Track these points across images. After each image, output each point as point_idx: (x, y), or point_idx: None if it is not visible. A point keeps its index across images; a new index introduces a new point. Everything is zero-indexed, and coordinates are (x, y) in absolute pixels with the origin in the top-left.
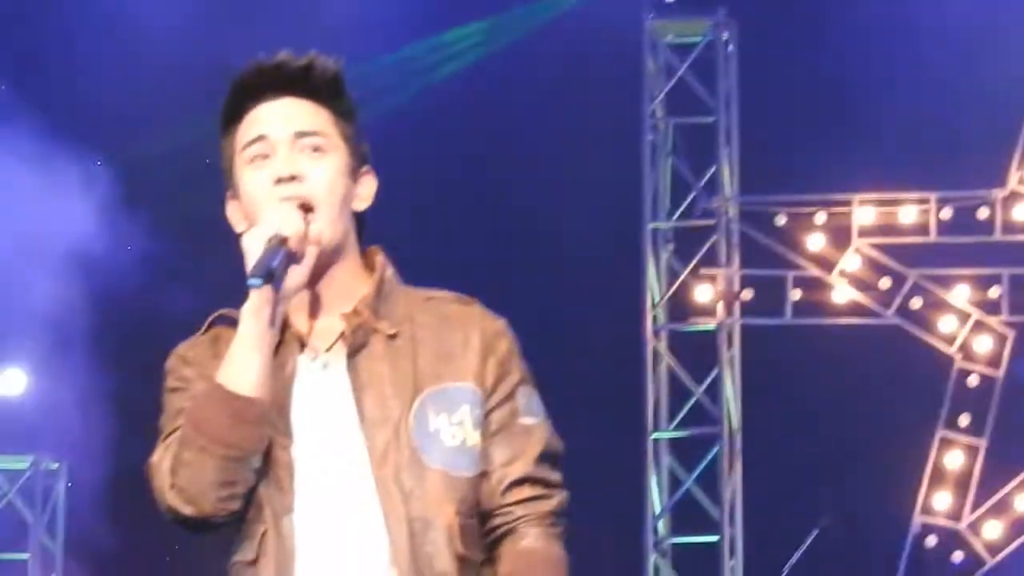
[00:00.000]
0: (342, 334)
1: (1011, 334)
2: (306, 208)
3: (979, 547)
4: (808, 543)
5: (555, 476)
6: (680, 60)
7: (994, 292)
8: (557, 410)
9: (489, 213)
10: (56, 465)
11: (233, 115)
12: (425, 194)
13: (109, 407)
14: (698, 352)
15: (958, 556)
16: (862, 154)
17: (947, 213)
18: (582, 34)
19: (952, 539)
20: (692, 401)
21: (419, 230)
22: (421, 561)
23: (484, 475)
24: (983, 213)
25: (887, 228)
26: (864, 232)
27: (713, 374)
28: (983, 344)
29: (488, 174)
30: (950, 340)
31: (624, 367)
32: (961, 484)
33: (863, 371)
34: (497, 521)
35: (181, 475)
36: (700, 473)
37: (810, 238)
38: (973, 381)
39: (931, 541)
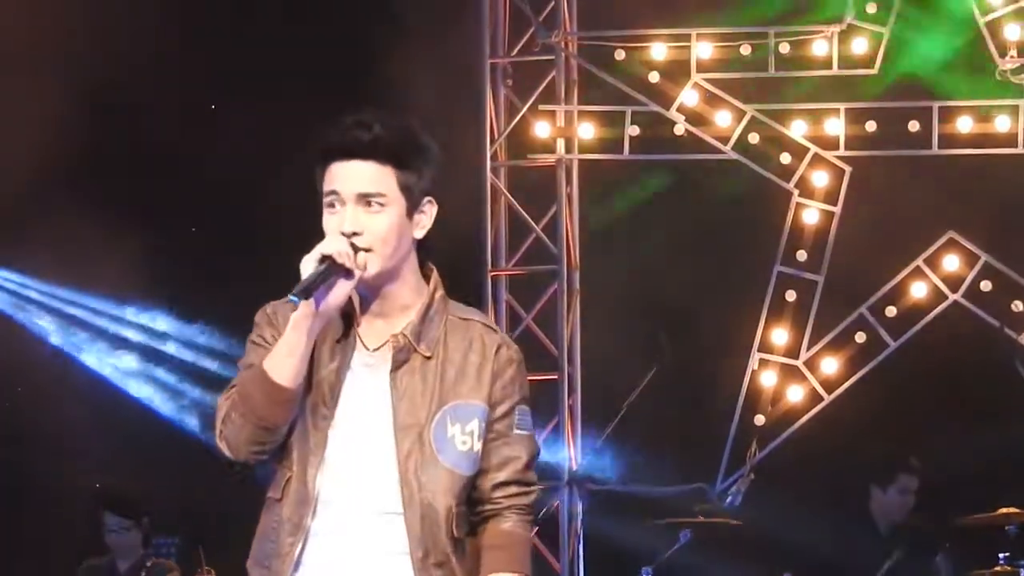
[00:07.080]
0: (387, 342)
1: (848, 169)
2: (355, 247)
3: (816, 383)
4: (647, 381)
5: (535, 478)
6: None
7: (831, 127)
8: None
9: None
10: None
11: (320, 162)
12: None
13: None
14: (538, 189)
15: (796, 392)
16: None
17: (784, 48)
18: None
19: (790, 375)
20: (531, 238)
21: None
22: (427, 537)
23: (480, 472)
24: (820, 48)
25: (725, 63)
26: (702, 67)
27: (552, 211)
28: (821, 179)
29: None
30: (788, 175)
31: (464, 204)
32: (798, 320)
33: (701, 207)
34: (487, 508)
35: (227, 429)
36: (539, 311)
37: (649, 73)
38: (811, 216)
39: (769, 378)
